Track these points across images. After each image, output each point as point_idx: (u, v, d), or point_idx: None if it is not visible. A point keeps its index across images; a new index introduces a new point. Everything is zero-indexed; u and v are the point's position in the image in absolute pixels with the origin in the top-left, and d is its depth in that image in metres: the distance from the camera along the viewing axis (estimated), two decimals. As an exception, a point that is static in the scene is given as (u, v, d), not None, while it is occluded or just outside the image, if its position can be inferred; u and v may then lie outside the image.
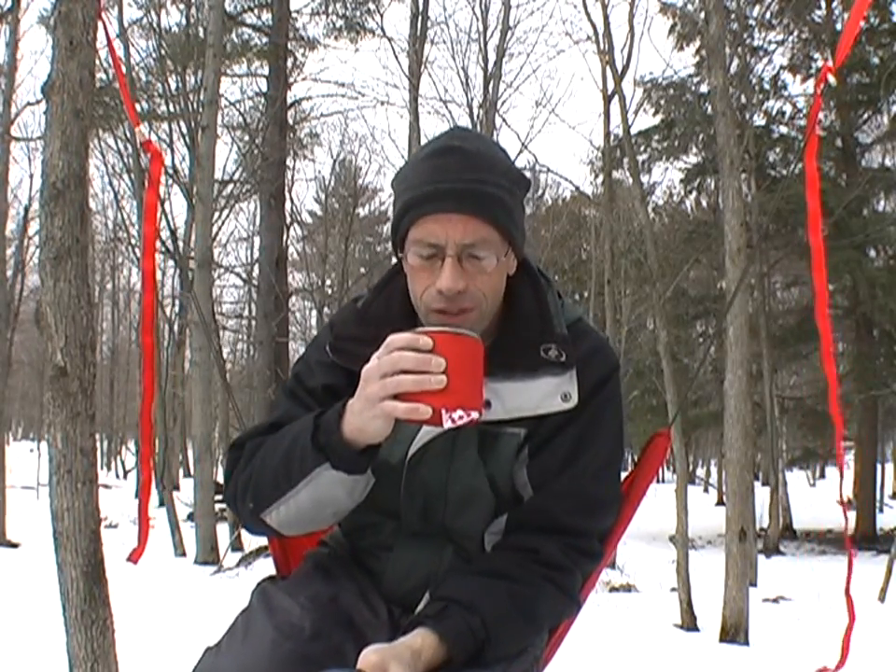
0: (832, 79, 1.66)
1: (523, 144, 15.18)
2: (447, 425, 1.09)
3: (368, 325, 1.25)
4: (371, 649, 1.10)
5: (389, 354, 1.10)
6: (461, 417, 1.09)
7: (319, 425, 1.18)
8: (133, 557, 2.10)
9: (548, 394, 1.27)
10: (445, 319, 1.20)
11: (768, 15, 15.03)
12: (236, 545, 10.26)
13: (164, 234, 12.69)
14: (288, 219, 15.22)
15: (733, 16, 13.11)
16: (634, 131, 13.34)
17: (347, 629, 1.27)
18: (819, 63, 15.19)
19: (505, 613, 1.20)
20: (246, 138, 15.10)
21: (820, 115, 1.79)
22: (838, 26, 14.69)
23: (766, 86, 15.40)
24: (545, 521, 1.27)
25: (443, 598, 1.20)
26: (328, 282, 19.43)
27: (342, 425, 1.15)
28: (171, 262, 15.14)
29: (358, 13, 15.51)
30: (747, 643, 5.84)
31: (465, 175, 1.19)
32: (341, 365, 1.30)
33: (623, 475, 1.60)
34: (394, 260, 1.36)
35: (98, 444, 2.50)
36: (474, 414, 1.10)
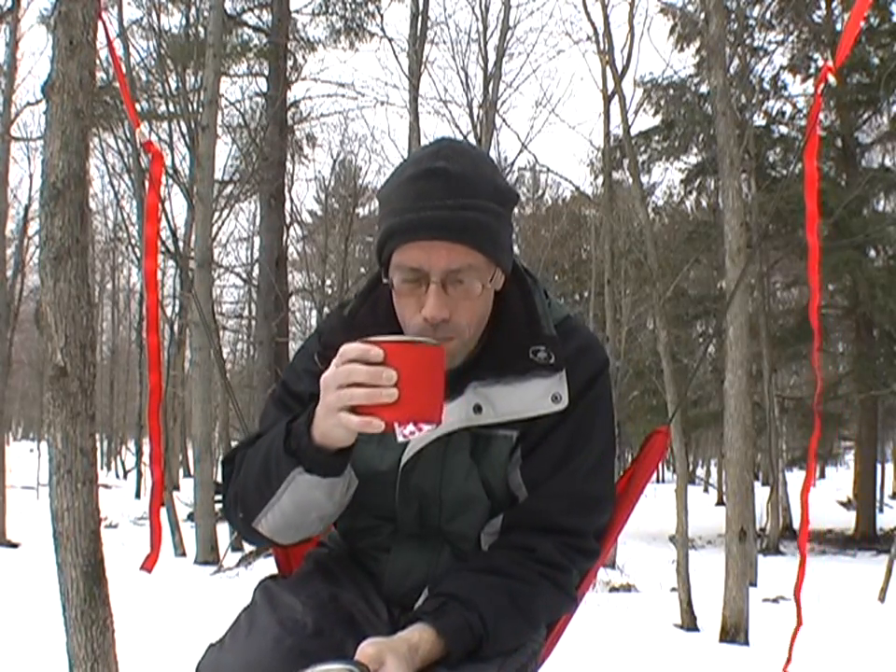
0: (832, 79, 1.66)
1: (523, 144, 15.27)
2: (399, 439, 1.08)
3: (355, 332, 1.22)
4: (369, 642, 1.10)
5: (343, 364, 1.08)
6: (412, 433, 1.07)
7: (291, 430, 1.19)
8: (147, 565, 2.04)
9: (538, 396, 1.26)
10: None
11: (768, 15, 15.02)
12: (236, 545, 10.25)
13: (164, 234, 12.69)
14: (288, 219, 15.21)
15: (733, 16, 13.10)
16: (634, 131, 13.34)
17: (348, 627, 1.27)
18: (819, 64, 15.19)
19: (503, 610, 1.21)
20: (246, 138, 15.09)
21: (821, 115, 1.79)
22: (838, 26, 14.69)
23: (766, 86, 15.40)
24: (541, 521, 1.28)
25: (442, 594, 1.21)
26: (328, 282, 19.42)
27: (311, 429, 1.15)
28: (171, 262, 15.12)
29: (358, 14, 15.49)
30: (747, 643, 5.84)
31: (448, 200, 1.17)
32: None
33: (621, 472, 1.60)
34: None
35: (98, 444, 2.49)
36: (427, 427, 1.08)
